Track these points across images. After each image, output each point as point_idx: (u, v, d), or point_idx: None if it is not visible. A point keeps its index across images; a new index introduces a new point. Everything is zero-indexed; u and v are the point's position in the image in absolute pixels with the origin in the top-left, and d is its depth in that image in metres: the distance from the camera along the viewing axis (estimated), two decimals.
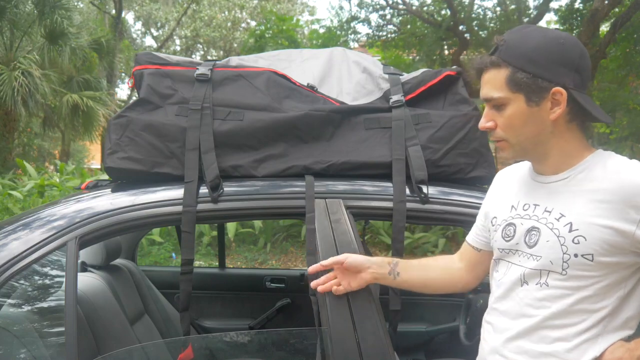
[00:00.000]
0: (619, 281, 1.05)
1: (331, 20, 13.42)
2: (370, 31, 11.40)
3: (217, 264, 3.15)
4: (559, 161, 1.12)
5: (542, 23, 9.66)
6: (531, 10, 10.02)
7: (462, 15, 9.86)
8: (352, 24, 11.41)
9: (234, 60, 1.78)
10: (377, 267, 1.31)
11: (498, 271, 1.22)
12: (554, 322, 1.08)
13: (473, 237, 1.37)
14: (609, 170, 1.06)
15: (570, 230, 1.06)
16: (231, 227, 7.34)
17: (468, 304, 2.15)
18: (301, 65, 1.83)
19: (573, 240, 1.05)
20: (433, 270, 1.39)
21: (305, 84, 1.73)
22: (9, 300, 1.40)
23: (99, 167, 15.45)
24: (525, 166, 1.25)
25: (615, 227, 1.02)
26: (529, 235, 1.13)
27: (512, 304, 1.15)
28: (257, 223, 7.76)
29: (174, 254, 6.42)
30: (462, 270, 1.38)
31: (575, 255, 1.05)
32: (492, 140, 1.15)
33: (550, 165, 1.14)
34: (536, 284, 1.11)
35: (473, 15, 10.27)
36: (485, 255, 1.33)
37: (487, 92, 1.12)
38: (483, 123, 1.15)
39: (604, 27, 9.49)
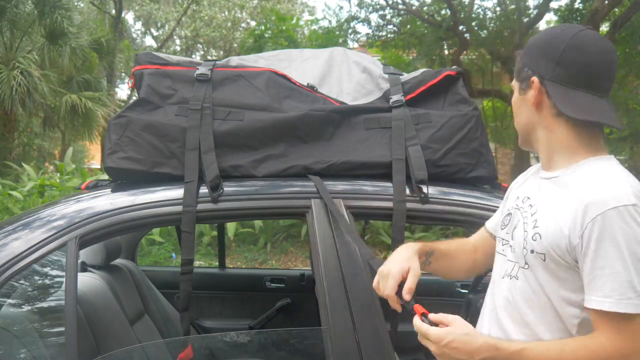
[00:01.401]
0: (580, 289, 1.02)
1: (329, 21, 13.40)
2: (370, 31, 11.40)
3: (217, 264, 3.15)
4: (550, 155, 1.13)
5: (542, 23, 9.66)
6: (531, 10, 10.02)
7: (462, 15, 9.85)
8: (351, 24, 11.41)
9: (234, 60, 1.78)
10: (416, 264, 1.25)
11: (494, 262, 1.25)
12: (525, 317, 1.09)
13: (493, 225, 1.36)
14: (586, 179, 1.04)
15: (534, 227, 1.08)
16: (231, 227, 7.34)
17: (468, 304, 2.15)
18: (301, 65, 1.83)
19: (532, 237, 1.07)
20: (457, 261, 1.37)
21: (305, 84, 1.73)
22: (9, 300, 1.40)
23: (99, 167, 15.44)
24: None
25: (566, 234, 1.00)
26: (515, 227, 1.15)
27: (496, 297, 1.17)
28: (257, 223, 7.76)
29: (174, 254, 6.42)
30: (478, 260, 1.38)
31: (532, 252, 1.07)
32: None
33: (544, 159, 1.15)
34: (509, 277, 1.13)
35: (473, 15, 10.26)
36: None
37: None
38: None
39: (604, 27, 9.49)
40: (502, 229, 1.22)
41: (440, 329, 1.04)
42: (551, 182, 1.11)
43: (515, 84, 1.16)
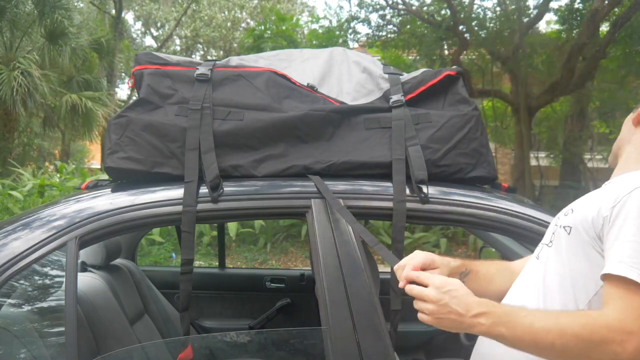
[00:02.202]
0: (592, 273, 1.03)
1: (330, 21, 13.39)
2: (370, 31, 11.39)
3: (217, 264, 3.15)
4: (621, 168, 1.18)
5: (542, 23, 9.68)
6: (531, 10, 10.02)
7: (462, 15, 9.85)
8: (351, 24, 11.41)
9: (234, 60, 1.78)
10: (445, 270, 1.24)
11: None
12: (540, 297, 1.10)
13: None
14: (632, 174, 1.08)
15: (570, 207, 1.13)
16: (232, 227, 7.35)
17: None
18: (301, 65, 1.83)
19: (565, 213, 1.12)
20: (494, 285, 1.33)
21: (305, 84, 1.73)
22: (9, 300, 1.40)
23: (99, 167, 15.44)
24: None
25: (596, 208, 1.04)
26: None
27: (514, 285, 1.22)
28: (257, 223, 7.76)
29: (174, 254, 6.43)
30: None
31: (560, 226, 1.11)
32: None
33: (616, 171, 1.19)
34: (535, 258, 1.18)
35: (473, 15, 10.26)
36: None
37: None
38: None
39: (604, 27, 9.49)
40: None
41: (443, 276, 1.05)
42: (607, 187, 1.13)
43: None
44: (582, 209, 1.08)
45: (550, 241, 1.12)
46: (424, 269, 1.16)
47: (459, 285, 1.02)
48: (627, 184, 1.02)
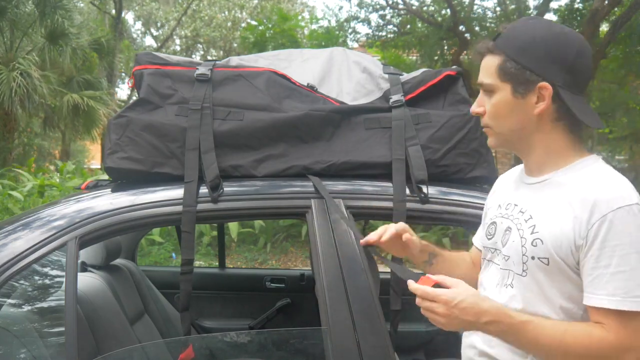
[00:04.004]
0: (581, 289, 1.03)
1: (329, 21, 13.40)
2: (370, 31, 11.40)
3: (217, 264, 3.15)
4: (542, 160, 1.11)
5: None
6: (531, 10, 10.03)
7: (462, 15, 9.86)
8: (351, 24, 11.42)
9: (234, 60, 1.78)
10: (419, 253, 1.30)
11: (482, 270, 1.24)
12: None
13: (479, 240, 1.36)
14: (586, 178, 1.04)
15: (532, 233, 1.06)
16: (233, 227, 7.34)
17: None
18: (301, 65, 1.83)
19: (532, 243, 1.06)
20: (459, 269, 1.35)
21: (305, 84, 1.73)
22: (9, 300, 1.40)
23: (99, 167, 15.45)
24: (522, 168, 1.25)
25: (570, 236, 1.00)
26: (504, 234, 1.14)
27: None
28: (257, 223, 7.76)
29: (174, 254, 6.43)
30: (477, 274, 1.34)
31: (533, 258, 1.05)
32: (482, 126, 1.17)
33: (535, 163, 1.13)
34: (504, 286, 1.12)
35: (473, 15, 10.27)
36: None
37: (481, 77, 1.12)
38: (474, 107, 1.16)
39: (604, 27, 9.50)
40: (488, 238, 1.20)
41: (450, 290, 1.02)
42: (541, 186, 1.10)
43: (500, 84, 1.07)
44: (551, 238, 1.02)
45: (524, 271, 1.07)
46: (399, 234, 1.25)
47: (466, 294, 1.01)
48: (593, 202, 0.98)
